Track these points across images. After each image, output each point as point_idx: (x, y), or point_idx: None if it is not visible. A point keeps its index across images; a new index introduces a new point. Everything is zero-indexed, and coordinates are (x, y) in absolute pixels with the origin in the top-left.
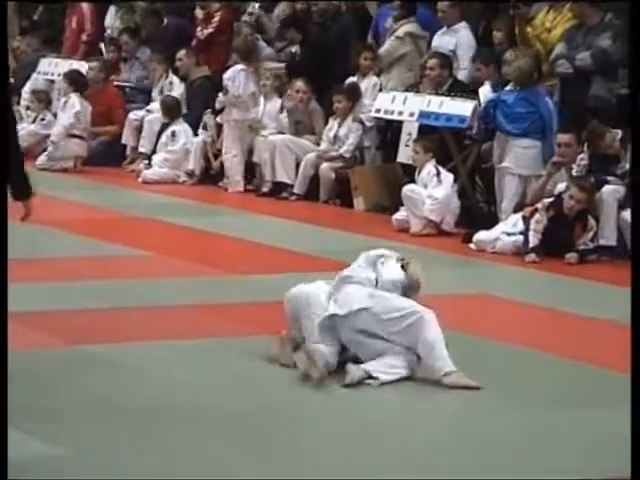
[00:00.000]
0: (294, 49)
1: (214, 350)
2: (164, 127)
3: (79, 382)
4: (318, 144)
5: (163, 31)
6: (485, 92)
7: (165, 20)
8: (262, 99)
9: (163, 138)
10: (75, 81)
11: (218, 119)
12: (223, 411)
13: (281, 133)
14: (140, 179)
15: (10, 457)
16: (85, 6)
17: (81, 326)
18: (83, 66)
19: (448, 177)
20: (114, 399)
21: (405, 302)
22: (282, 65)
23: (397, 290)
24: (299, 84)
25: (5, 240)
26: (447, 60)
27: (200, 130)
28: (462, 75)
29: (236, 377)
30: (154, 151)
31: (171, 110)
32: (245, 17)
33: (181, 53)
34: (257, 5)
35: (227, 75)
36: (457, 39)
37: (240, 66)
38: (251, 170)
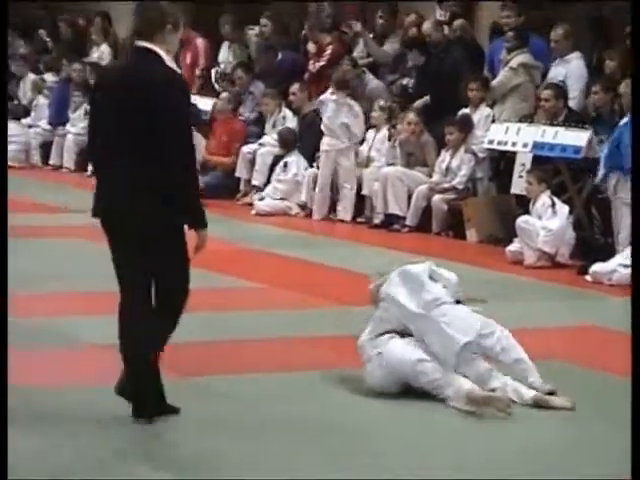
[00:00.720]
0: (405, 81)
1: (325, 382)
2: (278, 159)
3: (193, 413)
4: (430, 176)
5: (278, 65)
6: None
7: (280, 55)
8: (373, 132)
9: (277, 169)
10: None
11: None
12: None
13: (392, 165)
14: (253, 211)
15: None
16: (199, 41)
17: (194, 358)
18: (197, 100)
19: (563, 208)
20: (228, 427)
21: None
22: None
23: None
24: (411, 116)
25: (5, 241)
26: (562, 91)
27: (314, 163)
28: (572, 105)
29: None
30: (267, 184)
31: (287, 141)
32: (356, 52)
33: (294, 87)
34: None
35: (317, 103)
36: (567, 69)
37: (330, 95)
38: (361, 202)
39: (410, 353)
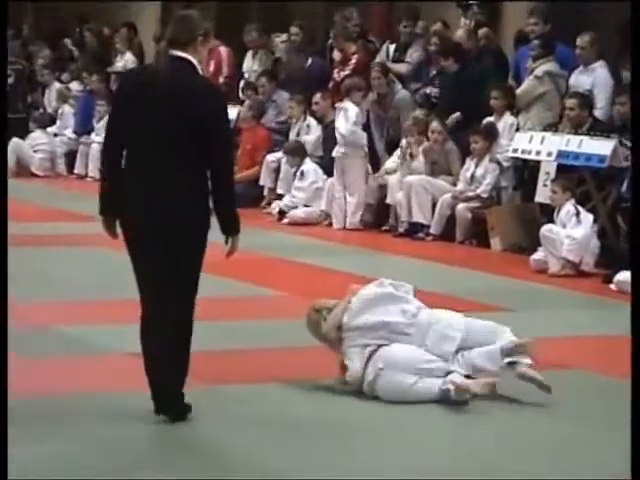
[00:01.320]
0: (428, 90)
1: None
2: (297, 168)
3: (214, 421)
4: (454, 184)
5: (307, 70)
6: None
7: (310, 60)
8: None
9: (295, 179)
10: None
11: None
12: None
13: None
14: (285, 220)
15: None
16: (223, 49)
17: (216, 366)
18: None
19: (588, 217)
20: (251, 433)
21: None
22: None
23: None
24: (434, 125)
25: (5, 242)
26: (586, 100)
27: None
28: (598, 114)
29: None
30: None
31: (295, 153)
32: (379, 58)
33: (317, 96)
34: (392, 47)
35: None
36: (593, 78)
37: (342, 103)
38: (386, 211)
39: (413, 349)
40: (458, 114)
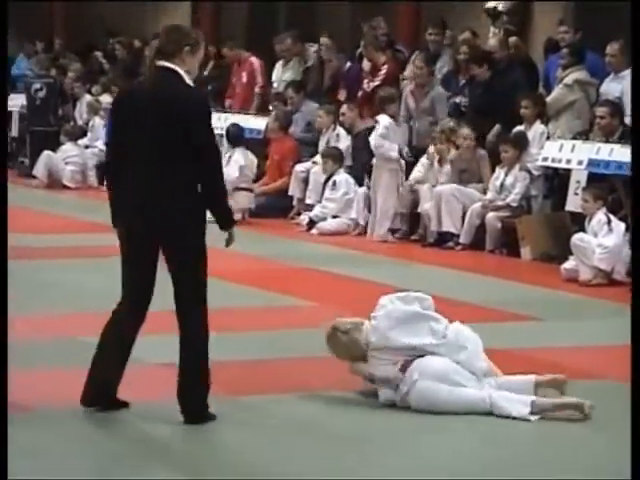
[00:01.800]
0: (458, 99)
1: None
2: (330, 178)
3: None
4: (485, 192)
5: (346, 73)
6: None
7: (349, 63)
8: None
9: (326, 188)
10: (232, 136)
11: None
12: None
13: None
14: (315, 231)
15: None
16: (254, 60)
17: (245, 376)
18: (251, 120)
19: (619, 225)
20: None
21: None
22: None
23: None
24: (465, 131)
25: (5, 244)
26: (617, 108)
27: (365, 181)
28: (629, 122)
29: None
30: (320, 202)
31: (332, 158)
32: (408, 70)
33: (344, 107)
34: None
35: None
36: (624, 86)
37: (379, 116)
38: (416, 220)
39: (447, 361)
40: (498, 126)
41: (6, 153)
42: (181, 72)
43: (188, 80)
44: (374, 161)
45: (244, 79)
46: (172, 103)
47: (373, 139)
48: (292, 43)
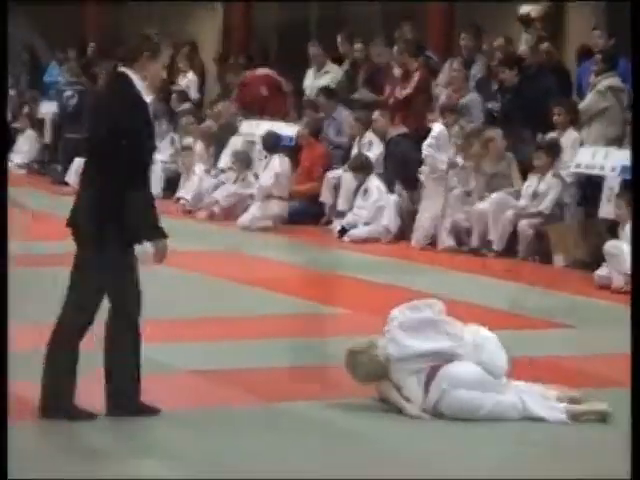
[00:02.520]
0: (490, 105)
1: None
2: (360, 185)
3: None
4: (517, 198)
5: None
6: None
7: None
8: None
9: (357, 195)
10: (269, 143)
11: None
12: None
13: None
14: (346, 238)
15: None
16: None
17: (278, 383)
18: (282, 126)
19: None
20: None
21: None
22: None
23: None
24: (494, 133)
25: (5, 245)
26: None
27: (397, 187)
28: None
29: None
30: (352, 209)
31: (361, 169)
32: (441, 76)
33: (376, 113)
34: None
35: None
36: None
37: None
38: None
39: (473, 366)
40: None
41: (6, 156)
42: (135, 77)
43: (141, 85)
44: (422, 168)
45: (265, 92)
46: (99, 108)
47: (424, 148)
48: (347, 44)
